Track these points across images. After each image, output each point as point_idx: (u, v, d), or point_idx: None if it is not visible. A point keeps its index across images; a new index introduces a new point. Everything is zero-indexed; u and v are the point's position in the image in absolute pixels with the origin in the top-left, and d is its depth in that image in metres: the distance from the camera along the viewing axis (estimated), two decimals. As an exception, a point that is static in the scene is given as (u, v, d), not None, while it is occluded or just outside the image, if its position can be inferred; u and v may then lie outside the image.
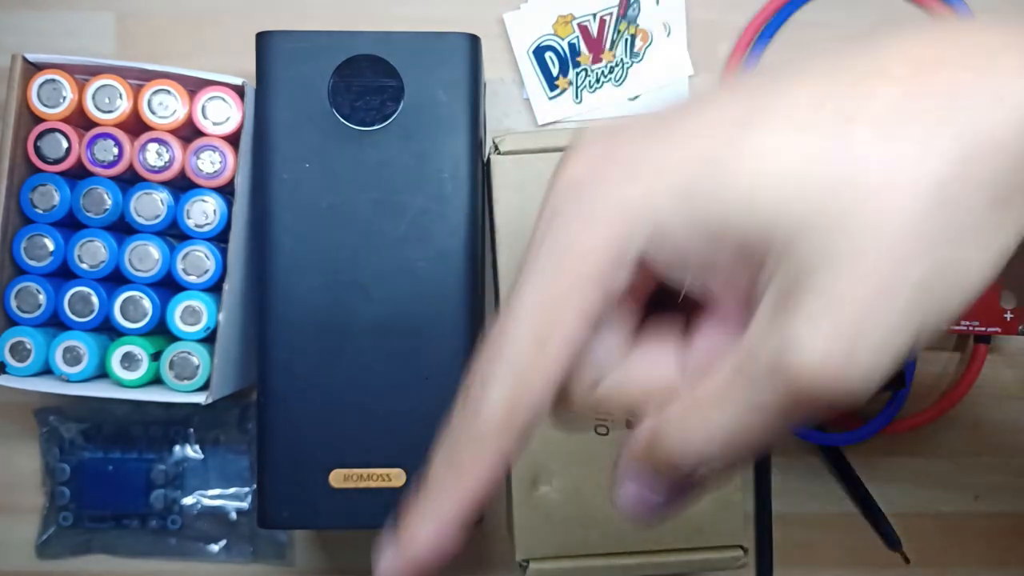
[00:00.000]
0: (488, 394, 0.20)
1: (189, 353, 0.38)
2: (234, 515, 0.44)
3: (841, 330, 0.17)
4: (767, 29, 0.45)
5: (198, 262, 0.38)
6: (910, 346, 0.17)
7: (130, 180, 0.38)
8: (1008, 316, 0.41)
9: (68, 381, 0.38)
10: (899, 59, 0.18)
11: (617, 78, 0.45)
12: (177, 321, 0.38)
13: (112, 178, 0.38)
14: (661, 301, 0.22)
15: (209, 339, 0.38)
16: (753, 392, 0.18)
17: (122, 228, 0.38)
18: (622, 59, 0.45)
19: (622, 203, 0.19)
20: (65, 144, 0.37)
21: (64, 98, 0.37)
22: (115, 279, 0.38)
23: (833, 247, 0.17)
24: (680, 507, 0.21)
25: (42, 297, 0.38)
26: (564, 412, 0.22)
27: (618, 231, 0.19)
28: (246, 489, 0.44)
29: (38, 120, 0.37)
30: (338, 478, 0.36)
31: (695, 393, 0.20)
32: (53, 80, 0.37)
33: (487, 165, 0.38)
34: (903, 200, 0.16)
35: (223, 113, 0.38)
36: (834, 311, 0.17)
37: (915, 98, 0.17)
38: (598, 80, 0.45)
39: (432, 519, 0.20)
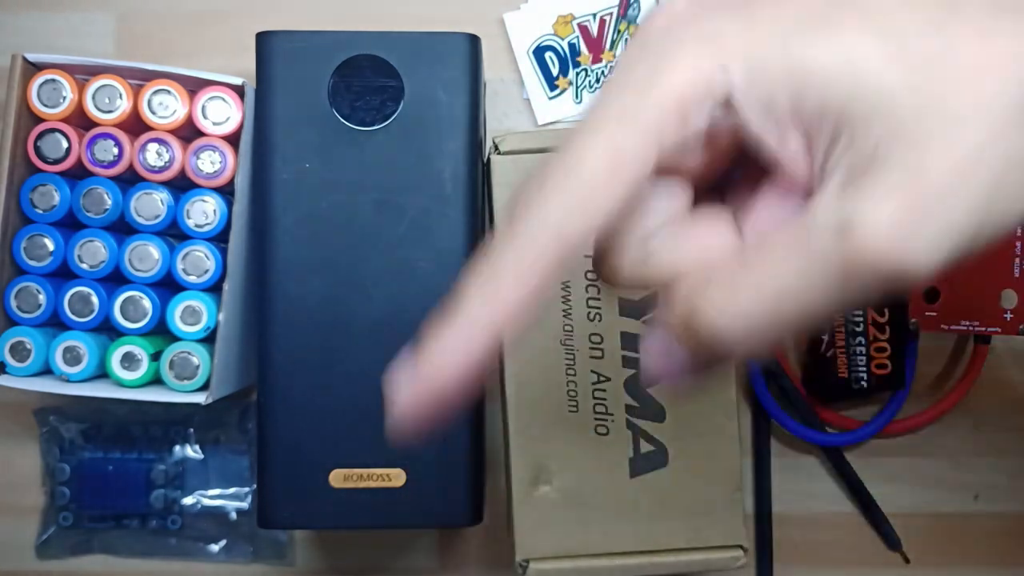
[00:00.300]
0: (547, 200, 0.19)
1: (189, 353, 0.38)
2: (234, 515, 0.44)
3: (913, 202, 0.17)
4: (767, 29, 0.45)
5: (198, 262, 0.38)
6: (973, 237, 0.17)
7: (130, 180, 0.38)
8: (1008, 316, 0.41)
9: (68, 381, 0.38)
10: None
11: (617, 78, 0.45)
12: (177, 321, 0.38)
13: (112, 178, 0.38)
14: (718, 191, 0.21)
15: (209, 339, 0.38)
16: (813, 255, 0.18)
17: (122, 228, 0.38)
18: (622, 59, 0.45)
19: (720, 38, 0.18)
20: (65, 144, 0.37)
21: (64, 98, 0.37)
22: (115, 279, 0.38)
23: (916, 123, 0.17)
24: (705, 371, 0.21)
25: (42, 297, 0.38)
26: (612, 263, 0.21)
27: (710, 62, 0.18)
28: (246, 489, 0.44)
29: (38, 120, 0.37)
30: (338, 478, 0.36)
31: (749, 251, 0.19)
32: (53, 80, 0.37)
33: (487, 165, 0.38)
34: (992, 86, 0.17)
35: (223, 113, 0.38)
36: (909, 183, 0.17)
37: None
38: (598, 80, 0.45)
39: (463, 326, 0.19)
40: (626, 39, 0.45)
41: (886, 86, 0.17)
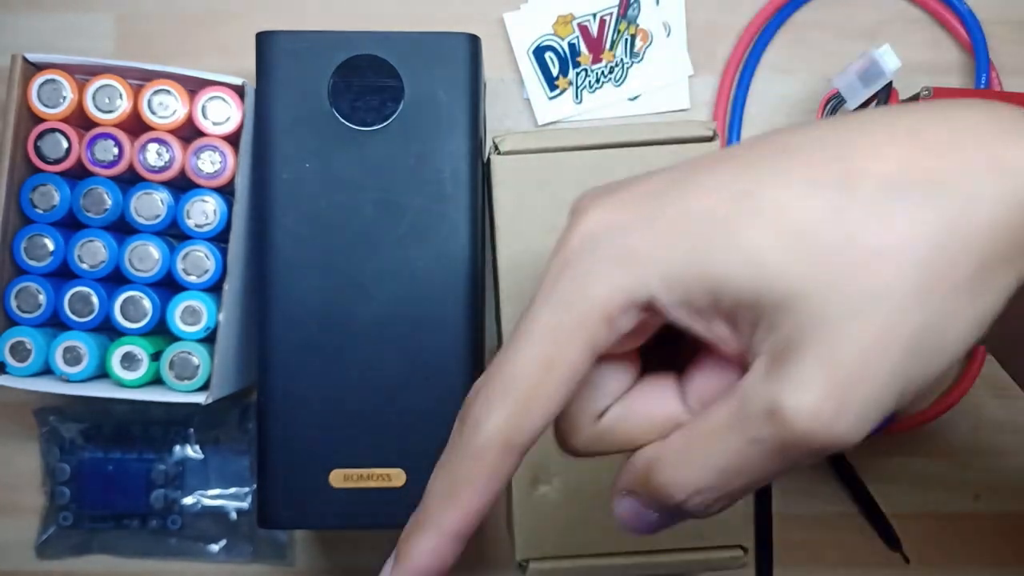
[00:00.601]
0: (491, 412, 0.21)
1: (189, 353, 0.38)
2: (234, 515, 0.44)
3: (832, 385, 0.18)
4: (767, 29, 0.45)
5: (198, 262, 0.38)
6: (897, 400, 0.19)
7: (130, 180, 0.38)
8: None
9: (68, 381, 0.38)
10: (891, 134, 0.19)
11: (617, 78, 0.45)
12: (177, 321, 0.38)
13: (112, 178, 0.38)
14: (661, 343, 0.23)
15: (209, 339, 0.38)
16: (748, 434, 0.19)
17: (122, 228, 0.38)
18: (622, 59, 0.45)
19: (634, 254, 0.20)
20: (65, 144, 0.37)
21: (64, 98, 0.37)
22: (115, 279, 0.38)
23: (824, 312, 0.18)
24: (674, 524, 0.22)
25: (42, 297, 0.38)
26: (569, 442, 0.23)
27: (629, 279, 0.20)
28: (246, 489, 0.44)
29: (38, 120, 0.37)
30: (338, 478, 0.36)
31: (693, 428, 0.21)
32: (53, 80, 0.37)
33: (487, 165, 0.38)
34: (892, 268, 0.18)
35: (223, 113, 0.38)
36: (826, 368, 0.18)
37: (907, 171, 0.18)
38: (598, 80, 0.45)
39: (431, 533, 0.21)
40: (626, 39, 0.45)
41: (789, 281, 0.18)
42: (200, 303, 0.38)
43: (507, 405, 0.20)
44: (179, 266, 0.38)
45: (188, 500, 0.44)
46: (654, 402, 0.22)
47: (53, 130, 0.37)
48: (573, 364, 0.20)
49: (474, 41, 0.37)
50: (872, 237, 0.18)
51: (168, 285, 0.38)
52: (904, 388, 0.19)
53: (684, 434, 0.21)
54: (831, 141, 0.19)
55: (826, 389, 0.18)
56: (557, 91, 0.45)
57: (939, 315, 0.18)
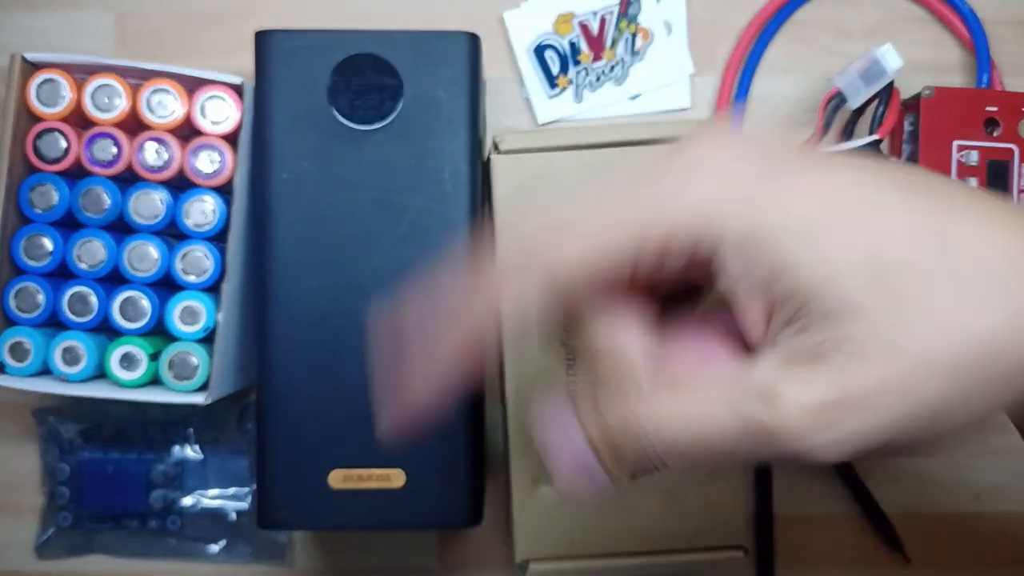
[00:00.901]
0: (541, 239, 0.22)
1: (188, 353, 0.38)
2: (234, 515, 0.44)
3: (837, 400, 0.19)
4: (767, 28, 0.45)
5: (197, 262, 0.38)
6: (879, 445, 0.19)
7: (129, 180, 0.38)
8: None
9: (67, 381, 0.38)
10: (1010, 223, 0.20)
11: (618, 77, 0.45)
12: (176, 321, 0.38)
13: (111, 178, 0.38)
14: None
15: (208, 339, 0.38)
16: (736, 407, 0.20)
17: (121, 228, 0.38)
18: (623, 58, 0.45)
19: (734, 194, 0.21)
20: (64, 144, 0.37)
21: (63, 97, 0.37)
22: (114, 279, 0.38)
23: (870, 336, 0.19)
24: (615, 487, 0.23)
25: (41, 297, 0.37)
26: (554, 332, 0.24)
27: (715, 211, 0.21)
28: (245, 489, 0.44)
29: (37, 120, 0.37)
30: (338, 478, 0.36)
31: (685, 389, 0.21)
32: (52, 79, 0.37)
33: (487, 165, 0.38)
34: (939, 344, 0.19)
35: (222, 112, 0.38)
36: (840, 382, 0.19)
37: (1009, 264, 0.19)
38: (599, 79, 0.45)
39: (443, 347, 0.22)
40: (627, 38, 0.45)
41: (849, 298, 0.19)
42: (199, 303, 0.38)
43: (555, 241, 0.21)
44: (178, 266, 0.38)
45: (187, 500, 0.44)
46: (628, 339, 0.23)
47: (52, 130, 0.37)
48: (622, 246, 0.21)
49: (474, 40, 0.37)
50: (947, 302, 0.19)
51: (167, 285, 0.38)
52: (891, 439, 0.19)
53: (674, 393, 0.22)
54: (965, 204, 0.20)
55: (829, 399, 0.19)
56: (557, 90, 0.45)
57: (955, 396, 0.19)
